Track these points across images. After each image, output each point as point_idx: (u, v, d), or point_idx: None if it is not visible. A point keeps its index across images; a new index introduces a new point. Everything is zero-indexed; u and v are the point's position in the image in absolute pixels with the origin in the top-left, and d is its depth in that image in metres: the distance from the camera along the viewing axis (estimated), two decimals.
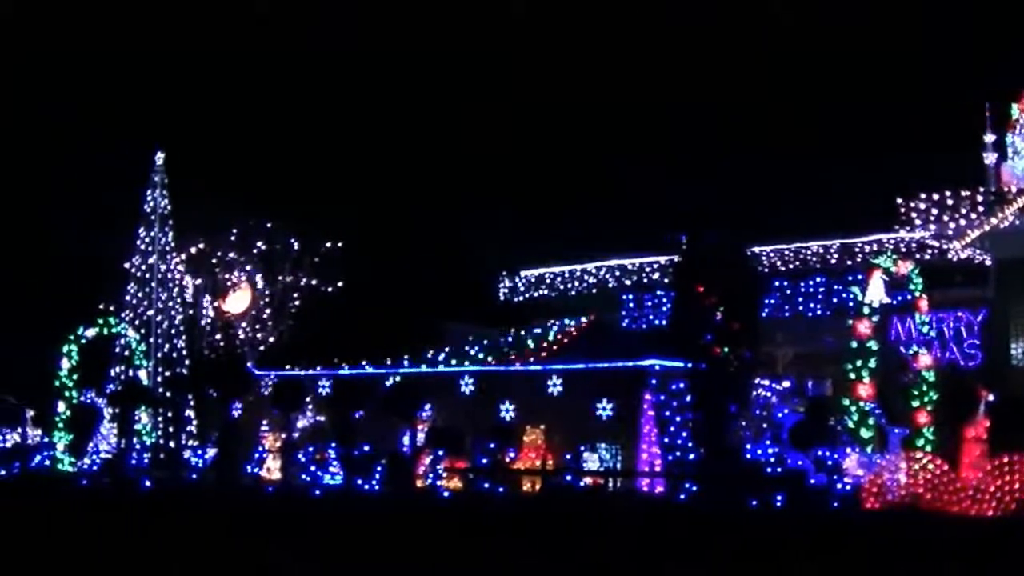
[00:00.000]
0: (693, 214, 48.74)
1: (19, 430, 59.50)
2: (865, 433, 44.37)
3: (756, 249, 59.28)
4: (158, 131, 79.76)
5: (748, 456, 43.19)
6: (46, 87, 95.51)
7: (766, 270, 60.67)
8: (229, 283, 66.04)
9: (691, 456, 44.71)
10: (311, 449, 49.20)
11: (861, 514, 38.80)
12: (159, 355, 64.90)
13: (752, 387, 46.92)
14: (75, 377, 57.76)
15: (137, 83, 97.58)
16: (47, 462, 55.53)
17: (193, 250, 66.28)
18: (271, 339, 66.76)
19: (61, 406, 56.74)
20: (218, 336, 66.36)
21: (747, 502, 39.34)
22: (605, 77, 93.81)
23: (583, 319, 61.24)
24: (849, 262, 59.59)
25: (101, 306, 62.78)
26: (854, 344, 45.44)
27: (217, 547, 37.58)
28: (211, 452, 53.54)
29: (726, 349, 43.31)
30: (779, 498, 39.58)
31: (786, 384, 51.13)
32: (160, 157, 66.81)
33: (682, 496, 42.22)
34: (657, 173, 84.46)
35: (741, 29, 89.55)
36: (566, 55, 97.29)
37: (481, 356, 56.77)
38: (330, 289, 66.75)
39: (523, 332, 59.81)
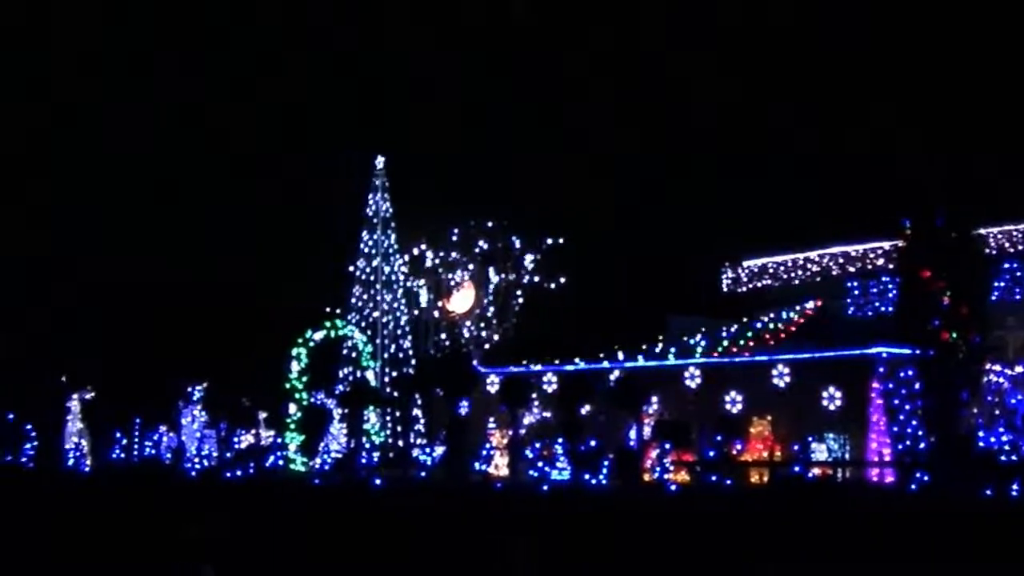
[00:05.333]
0: (918, 197, 47.90)
1: (253, 431, 60.87)
2: None
3: (983, 231, 57.91)
4: (379, 135, 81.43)
5: (981, 444, 42.36)
6: (268, 94, 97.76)
7: (994, 252, 59.25)
8: (453, 283, 66.60)
9: (922, 445, 43.97)
10: (538, 445, 49.46)
11: None
12: (385, 356, 65.90)
13: (983, 373, 45.91)
14: (305, 379, 58.92)
15: (359, 87, 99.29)
16: (280, 462, 56.81)
17: (416, 251, 67.01)
18: (496, 337, 67.09)
19: (292, 408, 57.95)
20: (443, 335, 66.98)
21: (982, 492, 38.51)
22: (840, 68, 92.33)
23: (808, 307, 60.60)
24: None
25: (328, 309, 63.90)
26: None
27: (449, 543, 38.07)
28: (439, 450, 54.15)
29: (955, 335, 42.52)
30: (1015, 487, 38.67)
31: (1019, 369, 49.94)
32: (380, 161, 67.83)
33: (913, 486, 41.44)
34: (883, 157, 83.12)
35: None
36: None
37: (706, 348, 56.41)
38: (553, 285, 66.78)
39: (747, 322, 59.32)
